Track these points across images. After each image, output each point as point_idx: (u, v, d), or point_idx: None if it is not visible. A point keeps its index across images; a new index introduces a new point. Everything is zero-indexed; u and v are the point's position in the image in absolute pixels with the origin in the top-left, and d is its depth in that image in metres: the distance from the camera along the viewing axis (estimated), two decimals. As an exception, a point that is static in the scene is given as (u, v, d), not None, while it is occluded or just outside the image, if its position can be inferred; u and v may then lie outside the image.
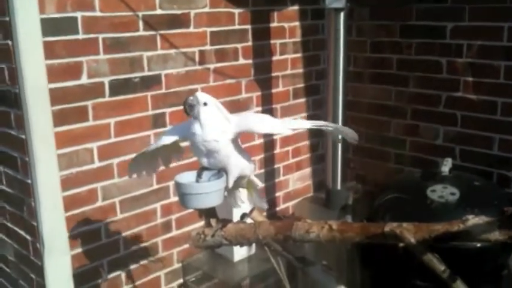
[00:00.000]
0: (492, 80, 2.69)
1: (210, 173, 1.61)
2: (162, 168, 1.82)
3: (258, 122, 1.54)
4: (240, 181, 1.65)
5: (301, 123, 1.55)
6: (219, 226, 1.60)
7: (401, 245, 1.31)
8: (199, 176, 1.60)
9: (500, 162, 2.74)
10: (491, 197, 2.40)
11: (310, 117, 3.34)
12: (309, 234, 1.46)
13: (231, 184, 1.56)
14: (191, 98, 1.48)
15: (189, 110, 1.48)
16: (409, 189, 2.55)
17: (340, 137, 1.68)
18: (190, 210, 2.76)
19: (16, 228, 2.46)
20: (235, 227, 1.59)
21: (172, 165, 2.56)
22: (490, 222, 1.27)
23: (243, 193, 1.76)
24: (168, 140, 1.60)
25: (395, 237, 1.33)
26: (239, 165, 1.56)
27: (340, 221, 1.45)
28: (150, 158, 1.72)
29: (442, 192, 2.41)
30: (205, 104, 1.48)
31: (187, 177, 1.60)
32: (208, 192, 1.54)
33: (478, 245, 2.27)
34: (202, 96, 1.48)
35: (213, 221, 1.62)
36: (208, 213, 1.63)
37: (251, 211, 1.62)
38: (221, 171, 1.59)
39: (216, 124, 1.49)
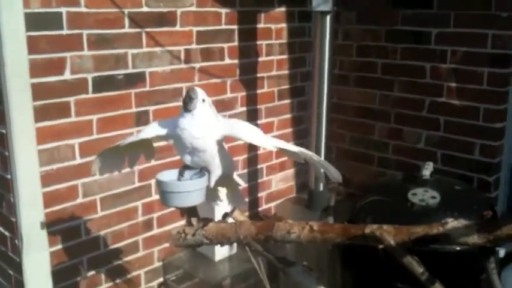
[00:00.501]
0: (475, 86, 2.72)
1: (192, 171, 1.60)
2: (126, 168, 1.79)
3: (248, 132, 1.52)
4: (221, 181, 1.64)
5: (289, 145, 1.52)
6: (200, 225, 1.59)
7: (381, 246, 1.32)
8: (181, 174, 1.60)
9: (481, 167, 2.77)
10: (472, 201, 2.42)
11: (294, 119, 3.35)
12: (290, 235, 1.46)
13: (212, 183, 1.56)
14: (192, 91, 1.46)
15: (188, 101, 1.45)
16: (391, 192, 2.56)
17: (323, 174, 1.58)
18: (172, 209, 2.75)
19: (-6, 224, 2.43)
20: (216, 226, 1.58)
21: (154, 163, 2.60)
22: (469, 225, 1.28)
23: (222, 192, 1.75)
24: (150, 133, 1.57)
25: (376, 239, 1.33)
26: (222, 165, 1.56)
27: (321, 222, 1.45)
28: (118, 155, 1.68)
29: (423, 196, 2.42)
30: (203, 100, 1.47)
31: (168, 176, 1.59)
32: (190, 191, 1.53)
33: (458, 248, 2.28)
34: (201, 92, 1.46)
35: (194, 220, 1.61)
36: (189, 212, 1.62)
37: (232, 211, 1.61)
38: (203, 170, 1.58)
39: (208, 123, 1.48)
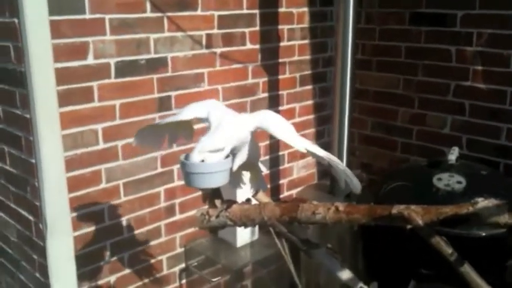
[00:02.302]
0: (502, 69, 2.66)
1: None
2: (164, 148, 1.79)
3: (280, 128, 1.47)
4: (245, 166, 1.63)
5: (317, 149, 1.46)
6: (224, 207, 1.58)
7: (408, 227, 1.29)
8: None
9: (508, 152, 2.72)
10: (498, 186, 2.39)
11: (316, 105, 3.32)
12: (315, 216, 1.44)
13: (235, 167, 1.54)
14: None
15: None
16: (415, 178, 2.54)
17: (344, 182, 1.50)
18: (194, 195, 2.76)
19: (19, 209, 2.45)
20: (240, 208, 1.57)
21: (177, 148, 2.59)
22: (500, 205, 1.25)
23: (245, 176, 1.74)
24: (189, 115, 1.55)
25: (403, 219, 1.31)
26: (249, 153, 1.54)
27: (346, 203, 1.43)
28: (158, 133, 1.69)
29: (449, 181, 2.39)
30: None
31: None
32: (214, 172, 1.52)
33: (483, 233, 2.26)
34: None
35: (217, 202, 1.60)
36: (213, 194, 1.61)
37: (256, 192, 1.60)
38: (226, 151, 1.57)
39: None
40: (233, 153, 1.53)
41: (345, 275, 1.59)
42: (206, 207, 1.63)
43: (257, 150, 1.62)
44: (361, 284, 1.58)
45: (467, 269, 1.29)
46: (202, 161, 1.54)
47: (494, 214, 1.24)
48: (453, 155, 2.51)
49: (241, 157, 1.51)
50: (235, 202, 1.60)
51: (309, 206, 1.47)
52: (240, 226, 1.59)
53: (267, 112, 1.56)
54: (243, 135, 1.47)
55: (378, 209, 1.37)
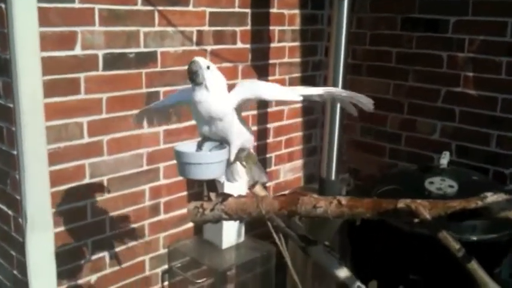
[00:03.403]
0: (493, 76, 2.66)
1: (211, 144, 1.54)
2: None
3: (268, 89, 1.47)
4: (239, 154, 1.58)
5: (311, 89, 1.46)
6: (219, 200, 1.52)
7: (416, 220, 1.25)
8: (199, 147, 1.53)
9: (497, 159, 2.71)
10: (490, 192, 2.36)
11: (305, 108, 3.28)
12: (316, 210, 1.39)
13: (233, 155, 1.49)
14: (193, 64, 1.40)
15: (195, 77, 1.40)
16: (407, 181, 2.51)
17: (354, 108, 1.55)
18: (180, 194, 2.69)
19: (-3, 203, 2.35)
20: (236, 201, 1.51)
21: (164, 146, 2.53)
22: (510, 200, 1.21)
23: (240, 167, 1.69)
24: (172, 101, 1.56)
25: (410, 213, 1.26)
26: (241, 135, 1.49)
27: (349, 196, 1.38)
28: (161, 110, 1.71)
29: (441, 185, 2.37)
30: (208, 67, 1.41)
31: (187, 148, 1.52)
32: (210, 163, 1.46)
33: (475, 238, 2.24)
34: (203, 60, 1.40)
35: (212, 195, 1.54)
36: (208, 186, 1.55)
37: (253, 185, 1.54)
38: (223, 143, 1.52)
39: (221, 89, 1.42)
40: (226, 142, 1.49)
41: (343, 273, 1.54)
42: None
43: (249, 131, 1.57)
44: (358, 283, 1.53)
45: (474, 266, 1.25)
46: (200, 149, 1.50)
47: (504, 208, 1.21)
48: (445, 159, 2.49)
49: (235, 142, 1.47)
50: (231, 195, 1.54)
51: (310, 199, 1.42)
52: (235, 220, 1.53)
53: (245, 82, 1.54)
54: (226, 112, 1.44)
55: (383, 202, 1.33)
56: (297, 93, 1.43)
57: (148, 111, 1.75)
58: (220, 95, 1.42)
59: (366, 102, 1.46)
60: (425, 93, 2.91)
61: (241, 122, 1.50)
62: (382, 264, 2.43)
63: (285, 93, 1.46)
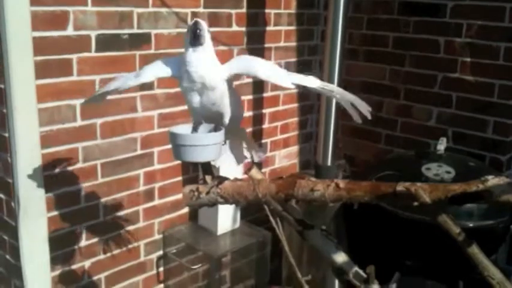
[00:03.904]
0: (491, 61, 2.64)
1: (207, 127, 1.51)
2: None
3: (261, 66, 1.41)
4: (235, 132, 1.56)
5: (307, 81, 1.40)
6: (215, 183, 1.49)
7: (415, 204, 1.22)
8: (194, 129, 1.50)
9: (494, 146, 2.69)
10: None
11: (300, 94, 3.25)
12: (313, 193, 1.36)
13: (227, 122, 1.46)
14: (197, 24, 1.33)
15: (199, 37, 1.32)
16: (404, 167, 2.49)
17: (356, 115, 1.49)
18: (174, 180, 2.66)
19: (-12, 187, 2.31)
20: (232, 184, 1.48)
21: (158, 130, 2.50)
22: (511, 183, 1.19)
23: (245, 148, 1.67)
24: (152, 76, 1.46)
25: (409, 197, 1.24)
26: (232, 107, 1.46)
27: (347, 179, 1.36)
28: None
29: (438, 171, 2.36)
30: (208, 31, 1.36)
31: (182, 130, 1.49)
32: (206, 145, 1.43)
33: (471, 224, 2.23)
34: (205, 24, 1.35)
35: (208, 178, 1.51)
36: (203, 169, 1.52)
37: (249, 168, 1.51)
38: (218, 126, 1.49)
39: (215, 57, 1.38)
40: (220, 123, 1.46)
41: (340, 258, 1.51)
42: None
43: (240, 103, 1.54)
44: (356, 268, 1.51)
45: (475, 250, 1.23)
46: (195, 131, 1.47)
47: (506, 192, 1.18)
48: (441, 145, 2.47)
49: (228, 113, 1.44)
50: (227, 178, 1.51)
51: (307, 182, 1.39)
52: (231, 204, 1.50)
53: (242, 56, 1.49)
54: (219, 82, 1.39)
55: (381, 185, 1.30)
56: (289, 80, 1.37)
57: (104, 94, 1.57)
58: (214, 63, 1.37)
59: (363, 107, 1.41)
60: (422, 78, 2.88)
61: (233, 92, 1.46)
62: (377, 250, 2.41)
63: (278, 77, 1.40)
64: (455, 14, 2.72)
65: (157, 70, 1.45)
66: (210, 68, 1.36)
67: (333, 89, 1.45)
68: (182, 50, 2.51)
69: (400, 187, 1.26)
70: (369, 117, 1.42)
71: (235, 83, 1.52)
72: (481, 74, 2.68)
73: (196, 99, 1.41)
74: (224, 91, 1.41)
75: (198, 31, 1.33)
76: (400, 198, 1.27)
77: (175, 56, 1.47)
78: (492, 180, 1.21)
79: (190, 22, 1.37)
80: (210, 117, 1.47)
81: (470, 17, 2.67)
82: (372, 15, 3.05)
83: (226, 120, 1.48)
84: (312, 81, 1.41)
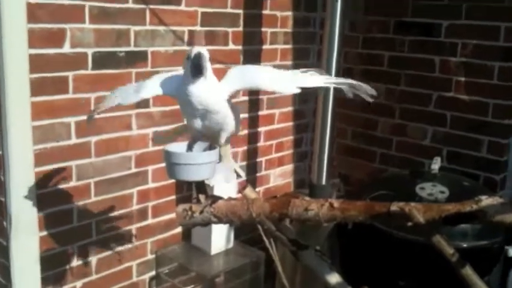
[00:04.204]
0: (485, 81, 2.65)
1: (202, 145, 1.51)
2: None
3: (262, 76, 1.38)
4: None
5: (311, 81, 1.39)
6: (209, 202, 1.49)
7: (409, 224, 1.22)
8: (189, 148, 1.50)
9: (488, 165, 2.70)
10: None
11: (296, 112, 3.25)
12: (307, 213, 1.36)
13: (223, 141, 1.46)
14: (200, 56, 1.32)
15: (202, 69, 1.32)
16: (398, 186, 2.49)
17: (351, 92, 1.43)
18: (168, 198, 2.65)
19: (-20, 205, 2.29)
20: (226, 203, 1.48)
21: (152, 148, 2.49)
22: (506, 203, 1.19)
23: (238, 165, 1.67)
24: (150, 93, 1.47)
25: (403, 217, 1.24)
26: (231, 123, 1.46)
27: (341, 199, 1.35)
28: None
29: (432, 190, 2.35)
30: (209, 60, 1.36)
31: (177, 148, 1.49)
32: (200, 164, 1.43)
33: (465, 245, 2.22)
34: (205, 51, 1.34)
35: (202, 197, 1.50)
36: (197, 188, 1.52)
37: (243, 188, 1.51)
38: (213, 144, 1.49)
39: (216, 82, 1.38)
40: (215, 142, 1.46)
41: (334, 278, 1.50)
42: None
43: (239, 118, 1.54)
44: (350, 289, 1.50)
45: (468, 271, 1.22)
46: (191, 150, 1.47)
47: (500, 212, 1.18)
48: (436, 164, 2.47)
49: (228, 131, 1.45)
50: (220, 198, 1.51)
51: (301, 202, 1.38)
52: (225, 223, 1.50)
53: (239, 69, 1.46)
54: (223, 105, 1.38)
55: (375, 205, 1.30)
56: (294, 85, 1.35)
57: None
58: (217, 88, 1.37)
59: (368, 92, 1.39)
60: (417, 97, 2.90)
61: (233, 108, 1.45)
62: (371, 269, 2.40)
63: (282, 85, 1.38)
64: (450, 33, 2.74)
65: (158, 87, 1.46)
66: (213, 95, 1.35)
67: (337, 80, 1.43)
68: (178, 67, 2.53)
69: (394, 207, 1.26)
70: (370, 100, 1.42)
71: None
72: (475, 93, 2.70)
73: (198, 123, 1.41)
74: (227, 111, 1.41)
75: (202, 64, 1.32)
76: (394, 218, 1.27)
77: (173, 73, 1.46)
78: (486, 201, 1.20)
79: (191, 51, 1.35)
80: (209, 136, 1.47)
81: (465, 37, 2.70)
82: (368, 35, 3.07)
83: (223, 139, 1.48)
84: (316, 81, 1.39)
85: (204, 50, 1.35)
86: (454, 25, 2.71)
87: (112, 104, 1.50)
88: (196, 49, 1.35)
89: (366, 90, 1.40)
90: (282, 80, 1.38)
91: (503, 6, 2.54)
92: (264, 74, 1.40)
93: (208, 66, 1.34)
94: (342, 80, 1.41)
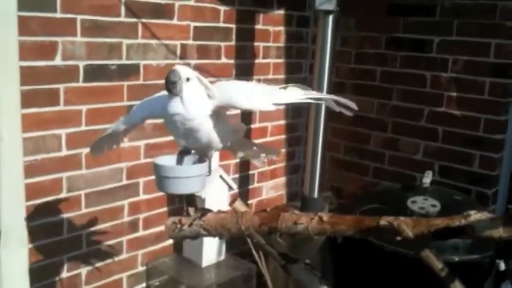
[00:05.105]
0: (476, 96, 2.67)
1: (192, 158, 1.50)
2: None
3: (239, 95, 1.36)
4: (239, 146, 1.63)
5: (288, 97, 1.35)
6: (198, 215, 1.48)
7: (398, 238, 1.22)
8: (179, 160, 1.49)
9: (480, 180, 2.71)
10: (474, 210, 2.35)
11: (289, 126, 3.26)
12: (296, 226, 1.35)
13: (212, 154, 1.46)
14: (172, 73, 1.31)
15: (172, 88, 1.31)
16: (390, 200, 2.49)
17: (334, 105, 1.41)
18: (159, 210, 2.64)
19: (-30, 217, 2.27)
20: (215, 216, 1.47)
21: (144, 160, 2.48)
22: (494, 218, 1.19)
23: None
24: (139, 118, 1.50)
25: (392, 231, 1.23)
26: (221, 139, 1.43)
27: (331, 213, 1.35)
28: (114, 136, 1.62)
29: (423, 204, 2.36)
30: (187, 79, 1.33)
31: (166, 161, 1.48)
32: (190, 177, 1.42)
33: (456, 259, 2.22)
34: (184, 70, 1.32)
35: (191, 210, 1.50)
36: (187, 201, 1.51)
37: (233, 201, 1.50)
38: (203, 156, 1.48)
39: (198, 101, 1.35)
40: (205, 154, 1.46)
41: (324, 292, 1.50)
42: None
43: (233, 129, 1.54)
44: (340, 303, 1.49)
45: (457, 286, 1.22)
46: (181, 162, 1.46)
47: (488, 227, 1.18)
48: (427, 178, 2.48)
49: (214, 149, 1.45)
50: (210, 210, 1.50)
51: (291, 215, 1.38)
52: (214, 236, 1.49)
53: (221, 85, 1.43)
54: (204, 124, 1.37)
55: (365, 220, 1.29)
56: (269, 102, 1.32)
57: (103, 139, 1.64)
58: (196, 108, 1.34)
59: (349, 105, 1.39)
60: (409, 112, 2.91)
61: (220, 124, 1.41)
62: (363, 283, 2.39)
63: (259, 103, 1.36)
64: (441, 49, 2.76)
65: (145, 111, 1.50)
66: (191, 113, 1.33)
67: (319, 94, 1.43)
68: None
69: (384, 221, 1.26)
70: (350, 114, 1.40)
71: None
72: (466, 108, 2.71)
73: (182, 140, 1.40)
74: (209, 128, 1.38)
75: (172, 81, 1.29)
76: (384, 232, 1.26)
77: (161, 93, 1.46)
78: (474, 216, 1.20)
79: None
80: (198, 149, 1.47)
81: (456, 52, 2.72)
82: (360, 50, 3.09)
83: (212, 152, 1.48)
84: (293, 96, 1.35)
85: (181, 68, 1.32)
86: (445, 41, 2.73)
87: (107, 132, 1.59)
88: (174, 67, 1.33)
89: (347, 104, 1.37)
90: (258, 97, 1.36)
91: (493, 23, 2.57)
92: (240, 93, 1.37)
93: (185, 87, 1.32)
94: (321, 95, 1.41)
